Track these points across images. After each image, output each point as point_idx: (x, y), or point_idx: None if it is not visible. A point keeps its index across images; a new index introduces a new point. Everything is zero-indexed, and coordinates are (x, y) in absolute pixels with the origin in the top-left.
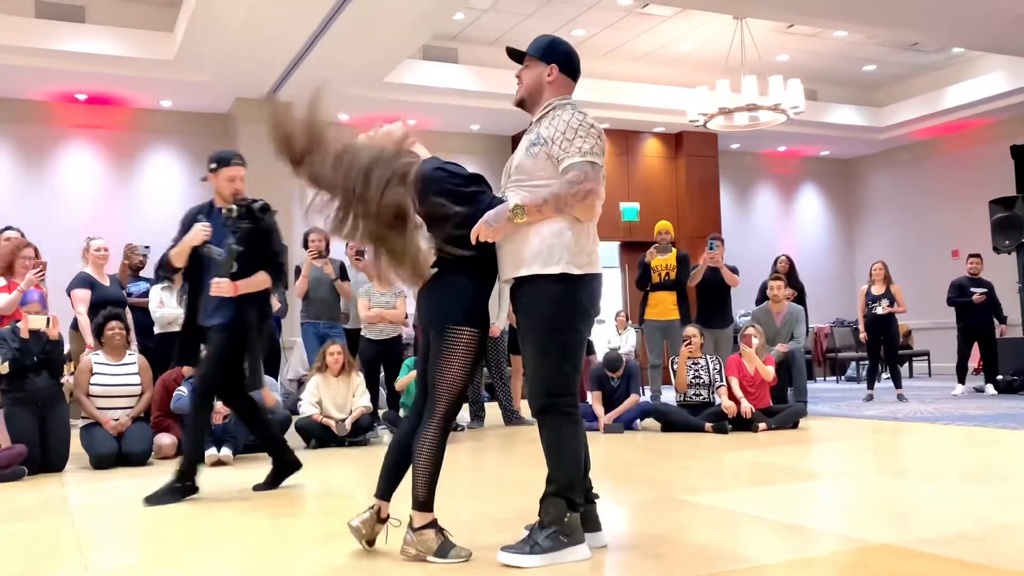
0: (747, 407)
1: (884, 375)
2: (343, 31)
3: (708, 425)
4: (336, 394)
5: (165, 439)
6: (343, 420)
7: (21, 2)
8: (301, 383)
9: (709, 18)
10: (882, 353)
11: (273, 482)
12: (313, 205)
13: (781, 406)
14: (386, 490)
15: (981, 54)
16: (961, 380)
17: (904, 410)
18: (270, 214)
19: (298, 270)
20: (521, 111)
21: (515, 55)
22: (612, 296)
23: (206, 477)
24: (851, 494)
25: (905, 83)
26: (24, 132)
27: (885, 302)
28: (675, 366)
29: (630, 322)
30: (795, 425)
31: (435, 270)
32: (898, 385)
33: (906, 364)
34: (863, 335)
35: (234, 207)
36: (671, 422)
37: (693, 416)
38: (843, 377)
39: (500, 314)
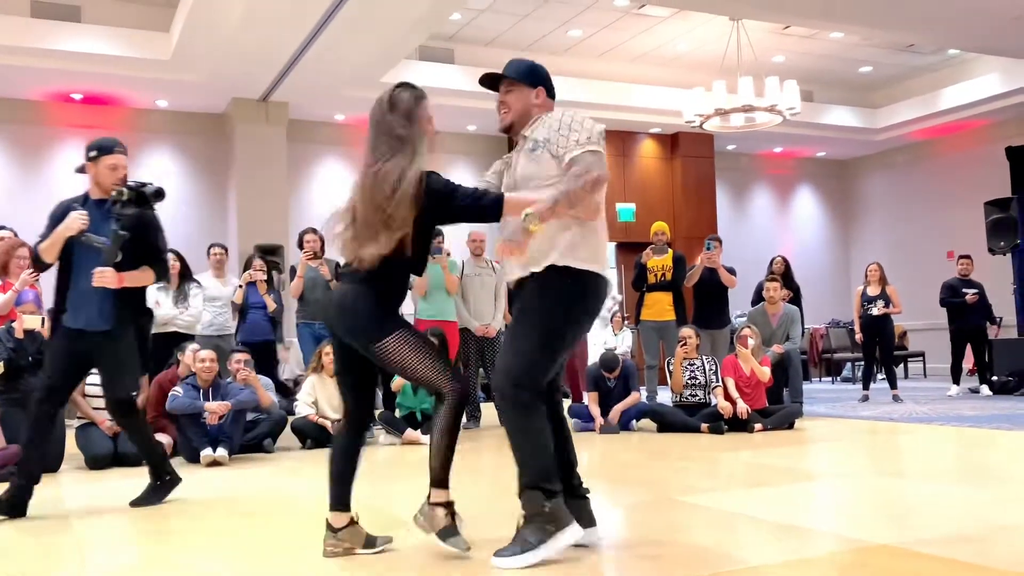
0: (743, 408)
1: (879, 376)
2: (339, 31)
3: (704, 426)
4: (332, 394)
5: (161, 439)
6: (339, 420)
7: (17, 1)
8: (297, 383)
9: (705, 19)
10: (877, 354)
11: (152, 496)
12: None
13: (777, 407)
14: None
15: (977, 56)
16: (956, 381)
17: (900, 411)
18: (157, 200)
19: (293, 271)
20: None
21: (493, 80)
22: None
23: (202, 478)
24: (847, 495)
25: (901, 84)
26: (20, 132)
27: (881, 303)
28: (671, 367)
29: (626, 322)
30: (791, 426)
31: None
32: (893, 386)
33: (901, 365)
34: (859, 336)
35: (124, 189)
36: (667, 423)
37: (689, 417)
38: (839, 378)
39: (496, 314)
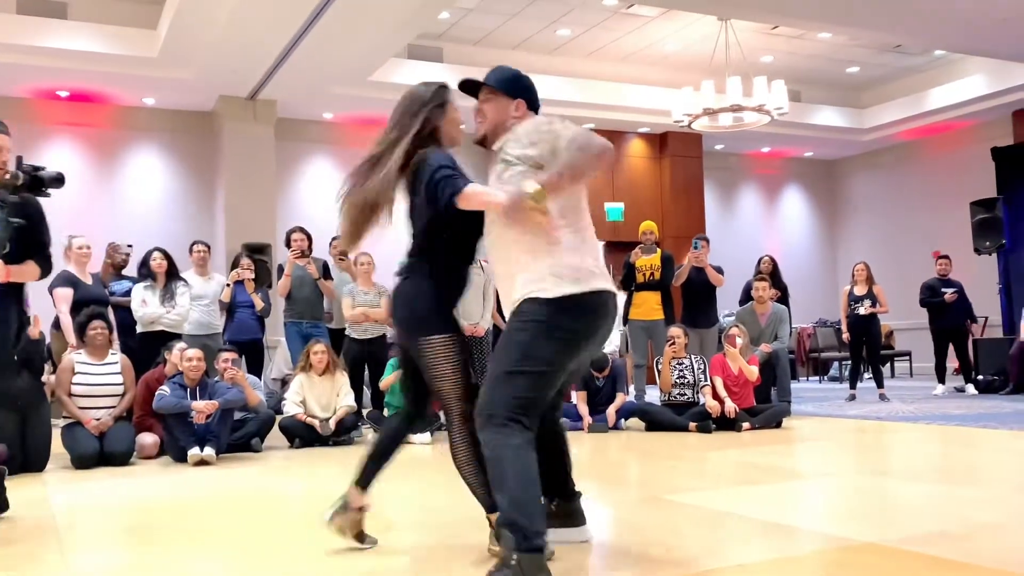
0: (731, 407)
1: (866, 375)
2: (328, 29)
3: (692, 425)
4: (320, 394)
5: (147, 439)
6: (327, 419)
7: None
8: (285, 382)
9: (694, 19)
10: (864, 353)
11: None
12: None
13: (765, 406)
14: (364, 479)
15: (963, 57)
16: (941, 380)
17: (886, 410)
18: (55, 187)
19: (281, 269)
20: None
21: (471, 86)
22: None
23: (189, 477)
24: (834, 493)
25: (888, 85)
26: None
27: (867, 302)
28: (659, 366)
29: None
30: (778, 425)
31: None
32: (880, 385)
33: (888, 364)
34: (846, 335)
35: (19, 172)
36: (655, 422)
37: (677, 416)
38: (826, 377)
39: (484, 314)
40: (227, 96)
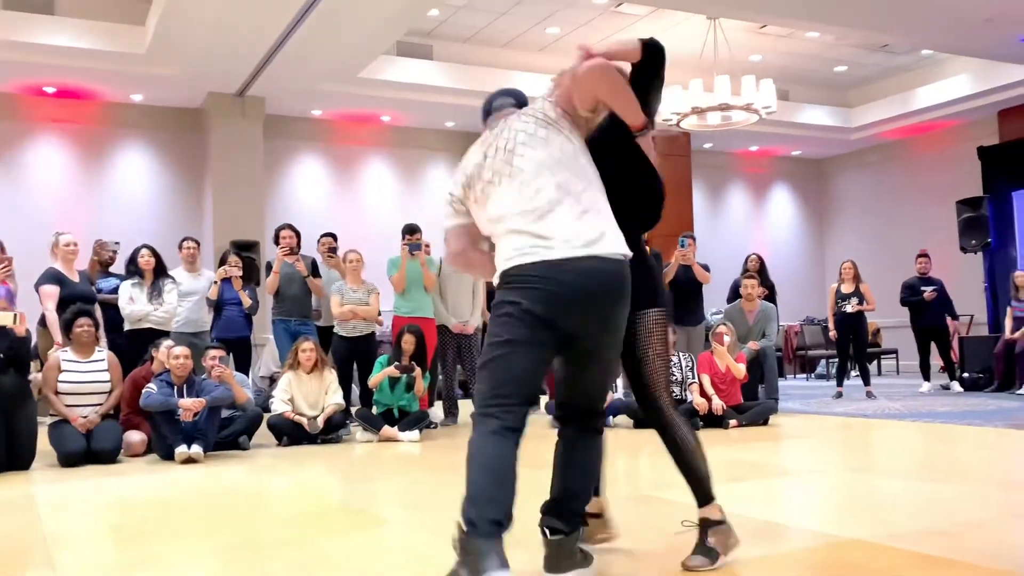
0: (718, 404)
1: (853, 373)
2: (317, 26)
3: None
4: (308, 392)
5: (134, 436)
6: (315, 418)
7: None
8: (273, 380)
9: (683, 18)
10: (851, 351)
11: None
12: None
13: (752, 403)
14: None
15: (949, 56)
16: (926, 377)
17: (873, 407)
18: None
19: (269, 267)
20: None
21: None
22: None
23: (176, 475)
24: (822, 490)
25: (875, 84)
26: None
27: (854, 300)
28: None
29: None
30: (765, 422)
31: None
32: (867, 383)
33: (875, 362)
34: (833, 333)
35: None
36: (643, 419)
37: None
38: (813, 374)
39: (474, 312)
40: (215, 93)
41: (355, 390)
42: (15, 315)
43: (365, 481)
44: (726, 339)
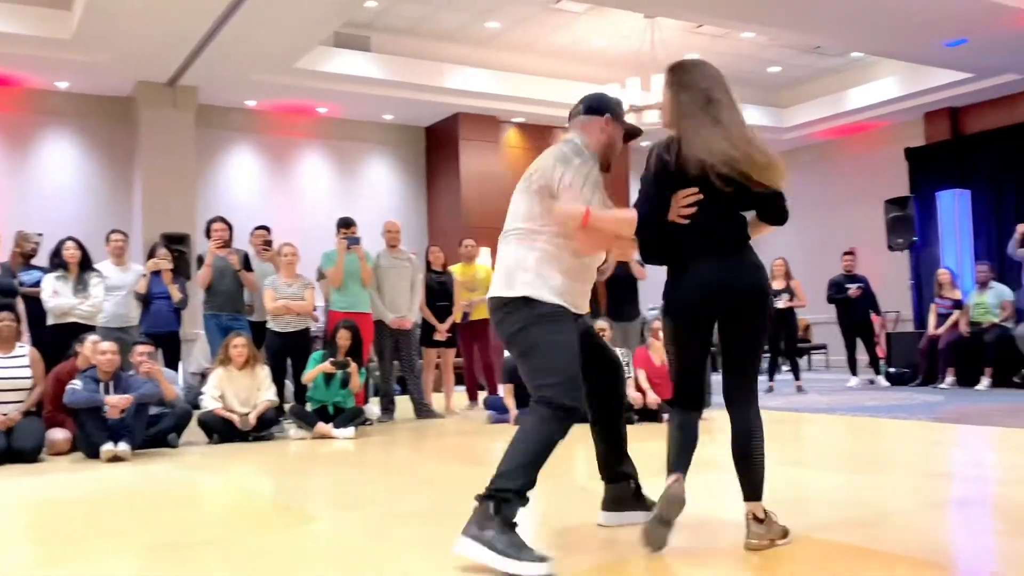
0: (653, 398)
1: (784, 367)
2: (252, 14)
3: None
4: (240, 388)
5: (58, 434)
6: (247, 414)
7: None
8: (204, 376)
9: (622, 16)
10: (782, 346)
11: None
12: None
13: None
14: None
15: (878, 59)
16: (853, 372)
17: (803, 401)
18: None
19: (200, 260)
20: (432, 100)
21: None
22: None
23: (102, 474)
24: None
25: (807, 85)
26: None
27: (785, 297)
28: None
29: None
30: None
31: None
32: (797, 377)
33: (805, 357)
34: None
35: None
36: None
37: None
38: None
39: (412, 307)
40: (146, 81)
41: (289, 386)
42: None
43: (297, 479)
44: (661, 334)
